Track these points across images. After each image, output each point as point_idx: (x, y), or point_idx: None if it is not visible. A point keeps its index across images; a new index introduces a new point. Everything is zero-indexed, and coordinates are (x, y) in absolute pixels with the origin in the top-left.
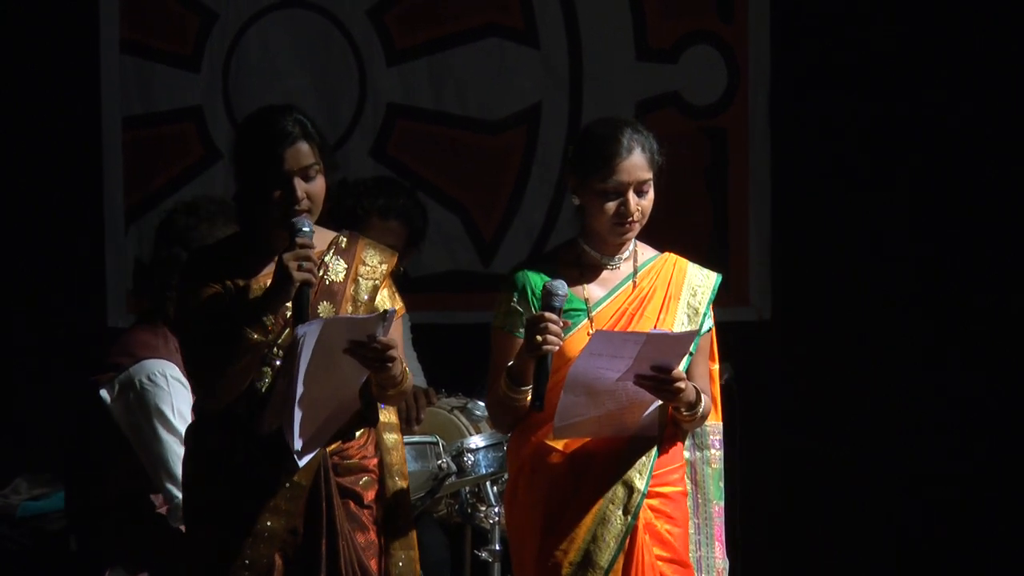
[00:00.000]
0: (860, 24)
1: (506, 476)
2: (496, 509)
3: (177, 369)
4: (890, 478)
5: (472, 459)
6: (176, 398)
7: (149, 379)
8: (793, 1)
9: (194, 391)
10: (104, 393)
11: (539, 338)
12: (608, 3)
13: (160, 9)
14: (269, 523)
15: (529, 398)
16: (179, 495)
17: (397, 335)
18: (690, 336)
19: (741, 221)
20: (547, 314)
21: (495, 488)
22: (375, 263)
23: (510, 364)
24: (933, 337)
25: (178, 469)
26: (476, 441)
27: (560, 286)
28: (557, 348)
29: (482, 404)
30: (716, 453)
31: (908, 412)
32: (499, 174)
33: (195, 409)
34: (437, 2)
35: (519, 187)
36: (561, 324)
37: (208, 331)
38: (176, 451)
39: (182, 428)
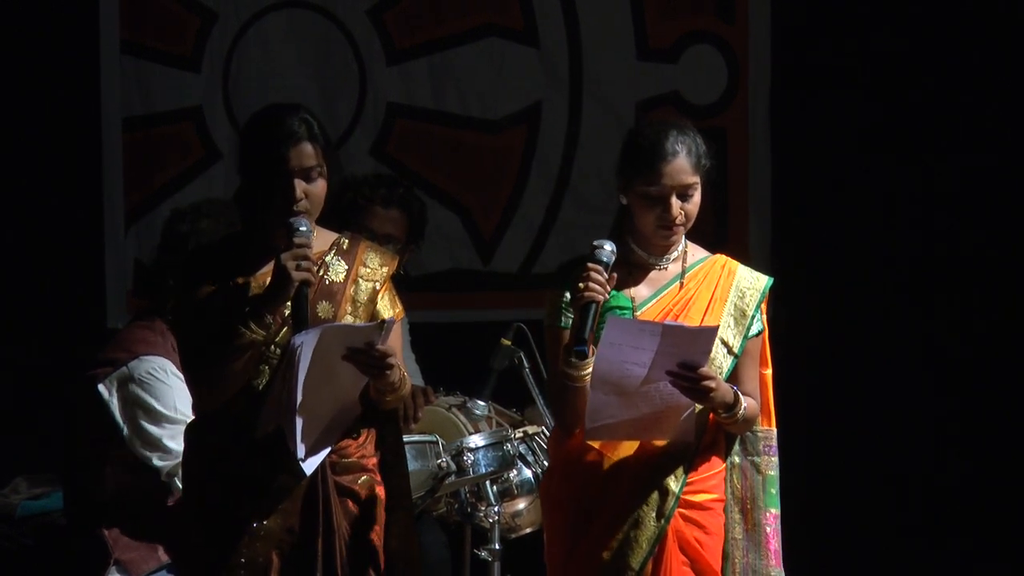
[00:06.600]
0: (860, 24)
1: (505, 475)
2: (496, 508)
3: (175, 366)
4: (890, 478)
5: (472, 458)
6: (175, 394)
7: (149, 374)
8: (793, 1)
9: (190, 389)
10: (102, 388)
11: (581, 284)
12: (608, 2)
13: (160, 9)
14: (266, 522)
15: (586, 373)
16: (170, 462)
17: (397, 338)
18: (710, 332)
19: (741, 221)
20: (591, 264)
21: (495, 487)
22: (375, 266)
23: (566, 343)
24: (934, 337)
25: (172, 447)
26: (475, 440)
27: (606, 243)
28: (602, 299)
29: (481, 403)
30: (769, 460)
31: (908, 412)
32: (499, 173)
33: (195, 408)
34: (437, 2)
35: (519, 186)
36: (606, 276)
37: (206, 329)
38: (170, 445)
39: (180, 424)
